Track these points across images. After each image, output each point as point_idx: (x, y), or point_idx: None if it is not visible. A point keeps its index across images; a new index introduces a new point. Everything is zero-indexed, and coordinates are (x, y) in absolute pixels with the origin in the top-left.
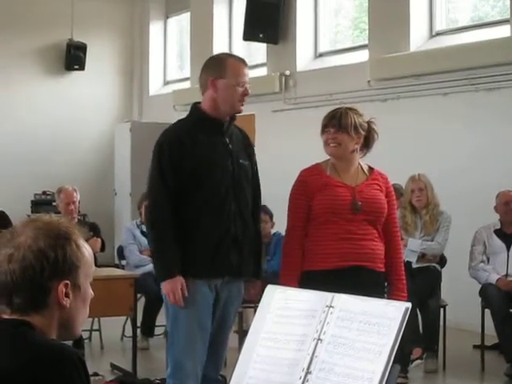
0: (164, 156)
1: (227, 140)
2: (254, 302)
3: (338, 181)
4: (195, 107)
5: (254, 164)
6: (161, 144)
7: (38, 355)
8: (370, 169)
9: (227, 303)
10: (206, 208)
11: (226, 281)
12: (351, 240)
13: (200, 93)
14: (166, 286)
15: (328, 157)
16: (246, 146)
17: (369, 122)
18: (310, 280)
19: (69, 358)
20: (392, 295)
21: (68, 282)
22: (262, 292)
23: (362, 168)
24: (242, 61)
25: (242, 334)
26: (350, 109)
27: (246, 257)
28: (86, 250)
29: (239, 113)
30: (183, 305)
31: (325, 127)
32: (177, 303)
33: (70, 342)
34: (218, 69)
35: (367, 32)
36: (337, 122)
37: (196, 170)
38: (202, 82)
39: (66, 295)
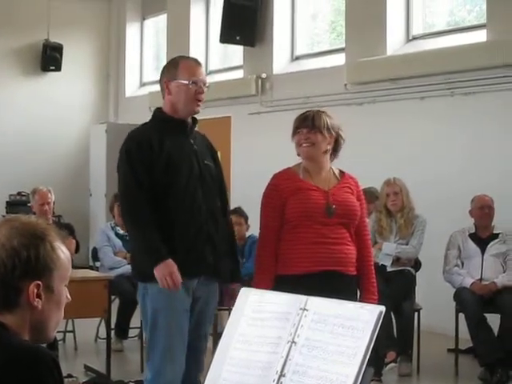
0: (134, 158)
1: (192, 141)
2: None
3: (311, 184)
4: (157, 111)
5: (219, 167)
6: (129, 147)
7: (11, 357)
8: (341, 172)
9: (204, 306)
10: (178, 207)
11: (202, 282)
12: (325, 244)
13: None
14: (159, 271)
15: (299, 161)
16: (210, 149)
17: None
18: (283, 284)
19: (43, 360)
20: (364, 298)
21: (40, 283)
22: None
23: (333, 172)
24: (195, 60)
25: (216, 336)
26: (321, 111)
27: (221, 256)
28: (63, 252)
29: (196, 113)
30: (180, 288)
31: (297, 129)
32: (174, 286)
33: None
34: (171, 71)
35: (344, 35)
36: (310, 122)
37: (166, 169)
38: (160, 87)
39: (38, 296)
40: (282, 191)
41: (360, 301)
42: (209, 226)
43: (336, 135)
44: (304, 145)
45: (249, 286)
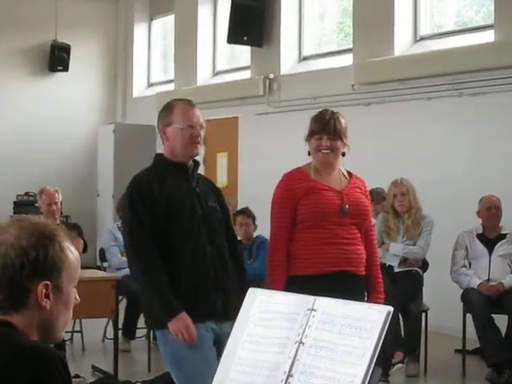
0: (136, 202)
1: (193, 184)
2: None
3: (324, 184)
4: (158, 156)
5: (225, 208)
6: (131, 192)
7: (20, 356)
8: (349, 173)
9: (225, 337)
10: (183, 250)
11: (220, 322)
12: (338, 245)
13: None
14: (173, 326)
15: (307, 161)
16: (214, 191)
17: None
18: (295, 284)
19: (51, 360)
20: (371, 298)
21: (48, 283)
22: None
23: (342, 172)
24: (189, 103)
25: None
26: (337, 113)
27: (231, 298)
28: (72, 253)
29: (196, 156)
30: (196, 341)
31: (315, 133)
32: (190, 339)
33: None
34: (166, 117)
35: (352, 36)
36: (332, 129)
37: (167, 211)
38: (159, 132)
39: (47, 296)
40: (295, 191)
41: (367, 300)
42: (216, 269)
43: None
44: (324, 151)
45: (258, 286)
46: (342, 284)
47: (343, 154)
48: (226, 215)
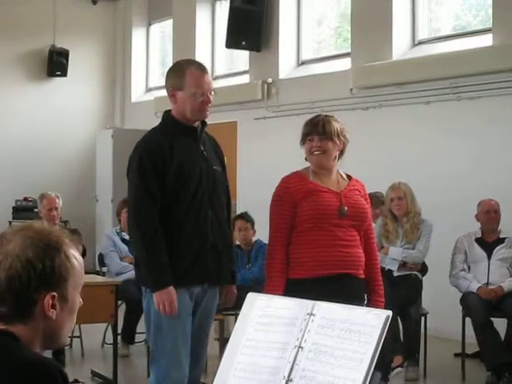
0: (146, 165)
1: (202, 147)
2: (230, 307)
3: (323, 186)
4: (167, 114)
5: (225, 169)
6: (141, 153)
7: (20, 370)
8: (348, 176)
9: (205, 311)
10: (187, 215)
11: (205, 288)
12: (338, 247)
13: None
14: (159, 297)
15: (306, 165)
16: (218, 153)
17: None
18: (296, 288)
19: (51, 375)
20: (372, 301)
21: (55, 293)
22: (238, 298)
23: (340, 174)
24: (201, 68)
25: (223, 341)
26: (329, 116)
27: (223, 264)
28: (77, 260)
29: (205, 118)
30: (176, 315)
31: (307, 135)
32: (169, 313)
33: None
34: (177, 80)
35: (350, 40)
36: (321, 130)
37: (177, 176)
38: (167, 91)
39: (53, 307)
40: (294, 194)
41: (368, 304)
42: (214, 235)
43: (344, 139)
44: (316, 153)
45: (257, 291)
46: (342, 286)
47: (341, 154)
48: (226, 177)
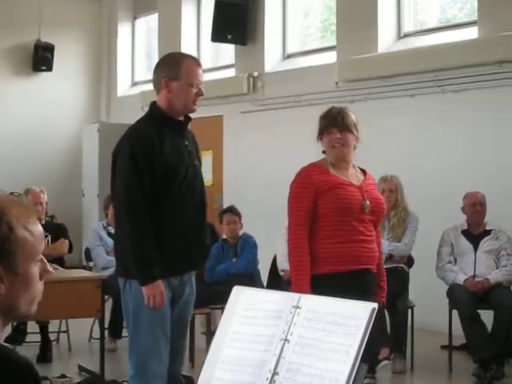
0: (139, 155)
1: (186, 142)
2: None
3: (345, 180)
4: (154, 107)
5: (201, 166)
6: (132, 145)
7: None
8: (361, 169)
9: (184, 302)
10: (171, 208)
11: (185, 280)
12: (362, 242)
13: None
14: (149, 290)
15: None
16: (196, 147)
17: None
18: (320, 284)
19: (21, 373)
20: (377, 296)
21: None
22: (224, 292)
23: (355, 168)
24: (197, 61)
25: (210, 335)
26: (346, 108)
27: (202, 254)
28: (26, 230)
29: (193, 112)
30: (162, 307)
31: (326, 128)
32: (159, 306)
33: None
34: (172, 70)
35: (335, 33)
36: (341, 122)
37: (166, 170)
38: (155, 81)
39: (1, 281)
40: (316, 186)
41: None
42: (197, 227)
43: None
44: (337, 145)
45: (242, 284)
46: (363, 282)
47: (354, 148)
48: (201, 172)
